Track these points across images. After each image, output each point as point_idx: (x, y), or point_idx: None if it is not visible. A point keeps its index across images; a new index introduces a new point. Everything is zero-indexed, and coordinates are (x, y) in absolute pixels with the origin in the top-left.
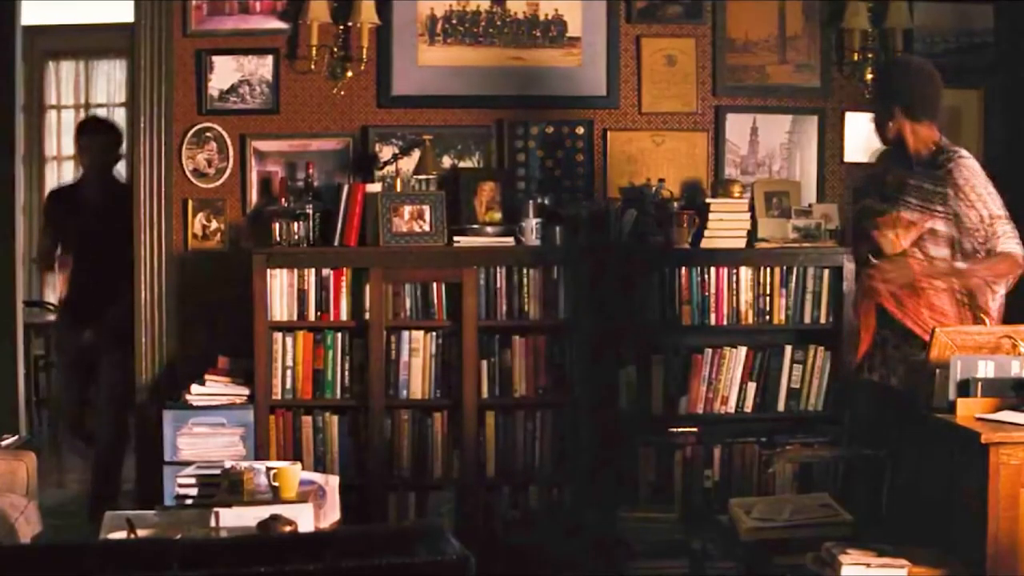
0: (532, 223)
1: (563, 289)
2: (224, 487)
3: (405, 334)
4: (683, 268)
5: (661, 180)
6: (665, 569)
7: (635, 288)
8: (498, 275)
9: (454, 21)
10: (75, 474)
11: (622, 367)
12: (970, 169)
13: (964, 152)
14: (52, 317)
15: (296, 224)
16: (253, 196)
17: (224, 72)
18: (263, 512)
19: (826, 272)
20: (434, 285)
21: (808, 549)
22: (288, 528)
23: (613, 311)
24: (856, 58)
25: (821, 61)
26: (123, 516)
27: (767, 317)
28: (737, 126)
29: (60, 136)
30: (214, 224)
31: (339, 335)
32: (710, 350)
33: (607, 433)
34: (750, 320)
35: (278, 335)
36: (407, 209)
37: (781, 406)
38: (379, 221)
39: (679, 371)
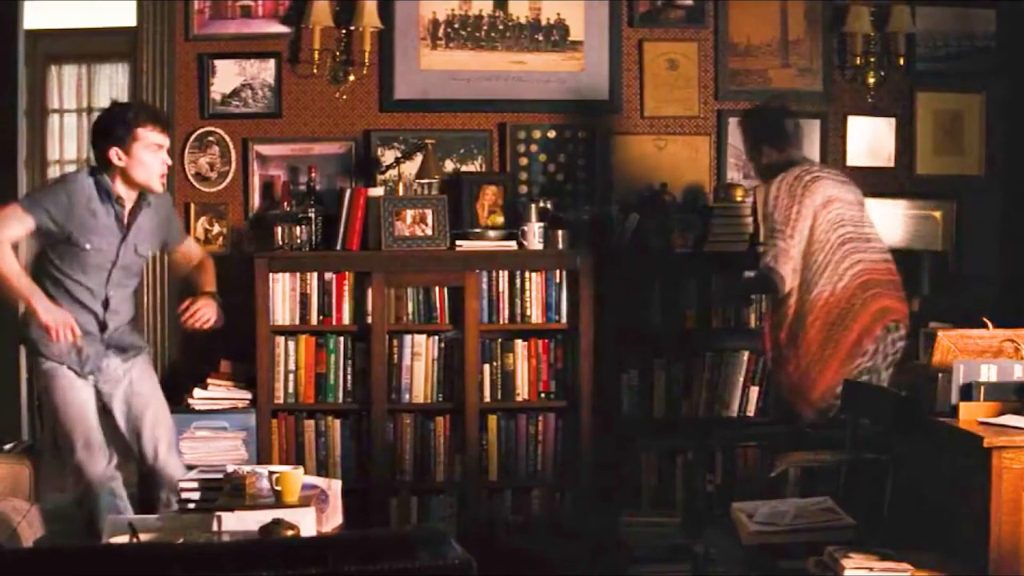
0: (534, 227)
1: (565, 293)
2: (226, 491)
3: (407, 338)
4: (685, 272)
5: (663, 184)
6: (667, 573)
7: (637, 292)
8: (500, 279)
9: (456, 25)
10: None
11: (624, 371)
12: (786, 182)
13: (797, 171)
14: None
15: (298, 228)
16: (255, 200)
17: (226, 76)
18: (265, 516)
19: None
20: (436, 289)
21: (810, 553)
22: (290, 532)
23: (615, 315)
24: (858, 62)
25: (823, 65)
26: (125, 520)
27: None
28: (739, 130)
29: (62, 140)
30: (216, 228)
31: (341, 339)
32: (712, 354)
33: (609, 437)
34: (752, 324)
35: (280, 339)
36: (409, 213)
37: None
38: (381, 225)
39: (681, 375)
